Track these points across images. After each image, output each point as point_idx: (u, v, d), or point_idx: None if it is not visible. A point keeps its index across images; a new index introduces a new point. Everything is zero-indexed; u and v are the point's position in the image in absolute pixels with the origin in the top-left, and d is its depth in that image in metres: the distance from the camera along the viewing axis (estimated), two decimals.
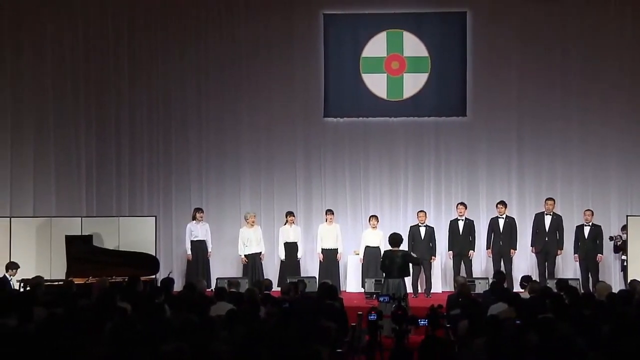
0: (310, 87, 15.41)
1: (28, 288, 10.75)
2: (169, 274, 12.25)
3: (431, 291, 14.00)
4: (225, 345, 6.03)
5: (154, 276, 12.98)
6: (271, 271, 14.56)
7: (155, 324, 6.90)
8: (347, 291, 14.36)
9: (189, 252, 14.34)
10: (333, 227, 14.45)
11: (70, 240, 13.20)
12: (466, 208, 14.28)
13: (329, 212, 14.53)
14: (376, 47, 15.25)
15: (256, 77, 15.45)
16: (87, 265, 12.73)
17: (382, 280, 12.08)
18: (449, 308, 9.87)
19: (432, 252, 14.12)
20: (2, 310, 7.66)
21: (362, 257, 14.28)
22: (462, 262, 14.04)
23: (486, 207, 15.08)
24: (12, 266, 12.49)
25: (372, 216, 14.53)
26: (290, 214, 14.53)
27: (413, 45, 15.25)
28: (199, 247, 14.35)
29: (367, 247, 14.22)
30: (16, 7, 15.19)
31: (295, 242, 14.43)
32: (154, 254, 13.70)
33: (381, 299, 10.01)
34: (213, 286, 13.12)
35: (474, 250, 14.18)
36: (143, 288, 10.69)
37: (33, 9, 15.20)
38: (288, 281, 12.01)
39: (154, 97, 15.41)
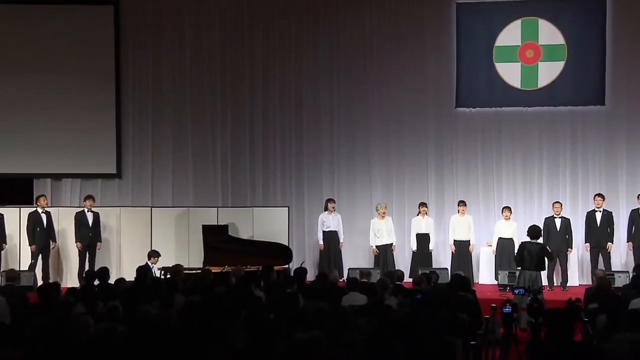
0: (441, 77, 15.27)
1: (168, 276, 11.13)
2: (301, 264, 12.41)
3: (567, 284, 13.64)
4: (359, 334, 6.07)
5: (287, 266, 13.17)
6: (402, 262, 14.52)
7: (288, 313, 7.00)
8: (479, 283, 14.17)
9: (321, 242, 14.48)
10: (465, 219, 14.28)
11: (207, 230, 13.56)
12: (604, 199, 13.81)
13: (462, 203, 14.36)
14: (510, 35, 14.94)
15: (387, 68, 15.43)
16: (223, 254, 13.04)
17: (517, 272, 11.87)
18: (587, 302, 9.58)
19: (569, 244, 13.75)
20: (145, 297, 7.95)
21: (494, 249, 14.07)
22: (600, 255, 13.60)
23: (626, 199, 14.54)
24: (154, 254, 12.96)
25: (505, 207, 14.28)
26: (422, 204, 14.45)
27: (549, 33, 14.86)
28: (331, 237, 14.46)
29: (500, 239, 13.99)
30: (157, 3, 15.70)
31: (427, 234, 14.34)
32: (287, 244, 13.92)
33: (516, 291, 9.84)
34: (345, 276, 13.22)
35: (612, 243, 13.70)
36: (276, 277, 10.87)
37: (173, 5, 15.67)
38: (420, 272, 11.96)
39: (287, 90, 15.63)
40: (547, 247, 12.31)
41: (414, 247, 14.31)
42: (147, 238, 14.21)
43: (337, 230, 14.51)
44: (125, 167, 15.51)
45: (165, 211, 14.72)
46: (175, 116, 15.61)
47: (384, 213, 14.38)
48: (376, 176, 15.48)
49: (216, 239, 13.37)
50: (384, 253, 14.24)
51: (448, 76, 15.23)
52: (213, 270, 11.69)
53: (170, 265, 11.76)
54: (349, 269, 13.65)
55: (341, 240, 14.54)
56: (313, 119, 15.61)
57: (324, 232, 14.48)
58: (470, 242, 14.21)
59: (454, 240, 14.20)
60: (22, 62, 15.08)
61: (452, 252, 14.22)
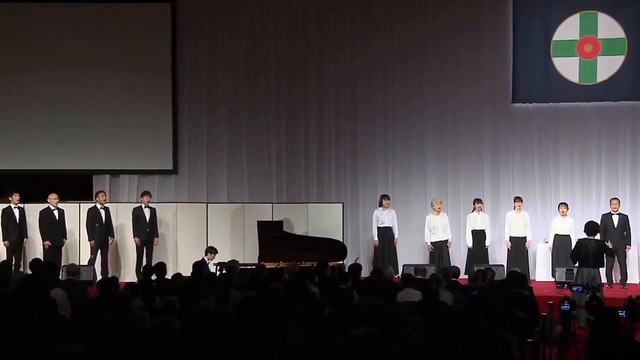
0: (497, 72, 15.14)
1: (224, 271, 11.21)
2: (356, 260, 12.39)
3: (627, 281, 13.41)
4: (415, 331, 6.05)
5: (341, 262, 13.19)
6: (458, 259, 14.43)
7: (343, 309, 7.01)
8: (536, 280, 14.02)
9: (376, 238, 14.46)
10: (522, 215, 14.14)
11: (262, 226, 13.63)
12: None
13: (518, 199, 14.22)
14: (568, 30, 14.76)
15: (442, 63, 15.35)
16: (278, 250, 13.08)
17: (574, 269, 11.71)
18: None
19: (627, 240, 13.51)
20: (201, 292, 8.02)
21: (551, 246, 13.91)
22: None
23: None
24: (211, 251, 13.09)
25: (562, 203, 14.10)
26: (477, 201, 14.35)
27: (608, 27, 14.63)
28: (386, 233, 14.43)
29: (556, 235, 13.83)
30: (213, 1, 15.78)
31: (483, 230, 14.23)
32: (341, 240, 13.93)
33: (574, 288, 9.71)
34: (400, 273, 13.19)
35: None
36: (331, 273, 10.87)
37: (228, 3, 15.72)
38: (475, 269, 11.86)
39: (342, 86, 15.63)
40: (605, 242, 12.11)
41: (470, 244, 14.21)
42: (202, 234, 14.35)
43: (391, 226, 14.47)
44: (182, 164, 15.67)
45: (221, 207, 14.84)
46: (230, 112, 15.72)
47: (439, 209, 14.31)
48: (431, 172, 15.40)
49: (271, 234, 13.43)
50: (439, 249, 14.17)
51: (504, 71, 15.10)
52: (268, 266, 11.75)
53: (226, 261, 11.85)
54: (404, 265, 13.62)
55: (396, 237, 14.50)
56: (368, 114, 15.58)
57: (378, 228, 14.45)
58: (527, 239, 14.07)
59: (510, 237, 14.08)
60: (81, 60, 15.31)
61: (508, 249, 14.10)
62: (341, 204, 14.85)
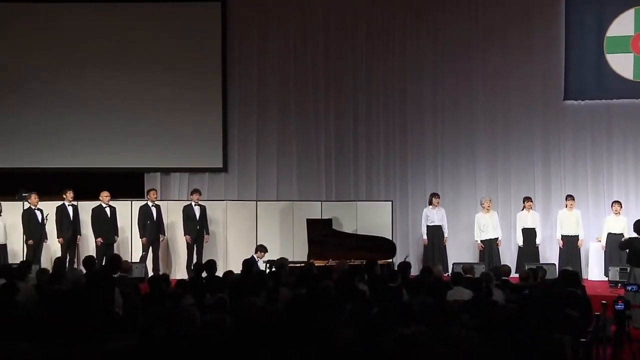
0: (549, 69, 14.99)
1: (274, 269, 11.26)
2: (405, 258, 12.35)
3: None
4: (465, 330, 6.01)
5: (391, 260, 13.15)
6: (508, 257, 14.30)
7: (393, 307, 6.99)
8: (588, 279, 13.83)
9: (425, 236, 14.40)
10: (574, 213, 13.96)
11: (311, 224, 13.65)
12: None
13: (570, 197, 14.05)
14: (622, 25, 14.55)
15: (493, 60, 15.24)
16: (327, 248, 13.09)
17: (628, 268, 11.52)
18: None
19: None
20: (251, 290, 8.06)
21: (604, 244, 13.71)
22: None
23: None
24: (261, 249, 13.14)
25: (615, 202, 13.89)
26: (527, 199, 14.22)
27: None
28: (435, 232, 14.36)
29: (609, 234, 13.63)
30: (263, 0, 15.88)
31: (534, 228, 14.10)
32: (390, 238, 13.89)
33: (629, 288, 9.55)
34: (449, 271, 13.11)
35: None
36: (380, 272, 10.85)
37: (278, 2, 15.81)
38: (526, 267, 11.75)
39: (390, 84, 15.59)
40: None
41: (520, 242, 14.08)
42: (252, 231, 14.42)
43: (441, 224, 14.40)
44: (231, 162, 15.76)
45: (270, 205, 14.89)
46: (279, 111, 15.77)
47: (488, 207, 14.20)
48: (481, 170, 15.30)
49: (320, 232, 13.44)
50: (489, 248, 14.07)
51: (556, 68, 14.94)
52: (317, 264, 11.76)
53: (275, 259, 11.90)
54: (454, 264, 13.55)
55: (445, 235, 14.42)
56: (417, 112, 15.53)
57: (427, 226, 14.39)
58: (579, 237, 13.89)
59: (562, 235, 13.92)
60: (132, 59, 15.51)
61: (560, 247, 13.95)
62: (390, 202, 14.82)
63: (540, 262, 13.48)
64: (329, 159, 15.72)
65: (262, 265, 12.63)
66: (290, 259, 12.15)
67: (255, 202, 14.93)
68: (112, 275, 8.74)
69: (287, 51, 15.74)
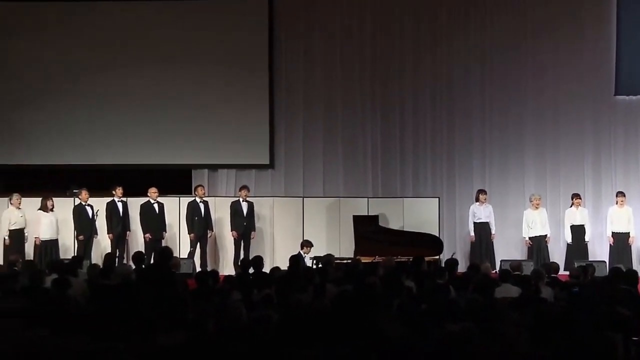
0: (600, 64, 14.80)
1: (320, 265, 11.28)
2: (452, 255, 12.30)
3: None
4: (513, 327, 5.96)
5: (437, 257, 13.10)
6: (557, 254, 14.14)
7: (440, 304, 6.96)
8: None
9: (472, 233, 14.32)
10: (625, 210, 13.77)
11: (358, 220, 13.65)
12: None
13: (620, 194, 13.86)
14: None
15: (542, 55, 15.08)
16: (374, 245, 13.08)
17: None
18: None
19: None
20: (297, 286, 8.09)
21: None
22: None
23: None
24: (307, 244, 13.20)
25: None
26: (575, 196, 14.06)
27: None
28: (482, 228, 14.26)
29: None
30: None
31: (583, 225, 13.94)
32: (437, 235, 13.84)
33: None
34: (497, 268, 13.01)
35: None
36: (427, 268, 10.81)
37: None
38: (576, 265, 11.61)
39: (438, 79, 15.51)
40: None
41: (569, 239, 13.92)
42: (299, 228, 14.46)
43: (488, 221, 14.29)
44: (278, 158, 15.81)
45: (317, 201, 14.92)
46: (326, 107, 15.78)
47: (537, 204, 14.06)
48: (529, 167, 15.17)
49: (367, 229, 13.43)
50: (538, 245, 13.93)
51: (607, 63, 14.75)
52: (363, 260, 11.76)
53: (322, 255, 11.93)
54: (501, 261, 13.43)
55: (493, 232, 14.31)
56: (464, 108, 15.43)
57: (475, 223, 14.30)
58: (630, 234, 13.68)
59: (612, 232, 13.73)
60: (178, 55, 15.61)
61: (610, 245, 13.76)
62: (437, 199, 14.76)
63: (590, 259, 13.30)
64: (375, 155, 15.68)
65: (308, 261, 12.66)
66: (336, 256, 12.15)
67: (301, 198, 14.96)
68: (168, 269, 8.77)
69: (334, 47, 15.73)
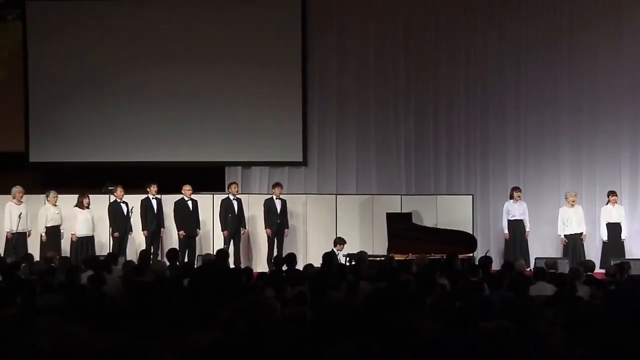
0: (638, 61, 14.58)
1: (353, 262, 11.28)
2: (486, 253, 12.23)
3: None
4: (548, 325, 5.92)
5: (471, 254, 13.04)
6: (592, 252, 13.99)
7: (474, 302, 6.92)
8: None
9: (506, 231, 14.23)
10: None
11: (391, 217, 13.65)
12: None
13: None
14: None
15: (579, 51, 14.96)
16: (407, 242, 13.08)
17: None
18: None
19: None
20: (331, 283, 8.09)
21: None
22: None
23: None
24: (340, 241, 13.21)
25: None
26: (611, 193, 13.92)
27: None
28: (517, 226, 14.16)
29: None
30: None
31: (619, 223, 13.80)
32: (471, 232, 13.77)
33: None
34: (532, 266, 12.92)
35: None
36: (461, 265, 10.77)
37: None
38: (612, 263, 11.49)
39: (472, 76, 15.44)
40: None
41: (605, 237, 13.78)
42: (332, 225, 14.46)
43: (522, 218, 14.19)
44: (311, 155, 15.82)
45: (350, 198, 14.92)
46: (359, 104, 15.76)
47: (573, 201, 13.94)
48: (565, 164, 15.05)
49: (400, 226, 13.43)
50: (573, 242, 13.81)
51: None
52: (397, 258, 11.75)
53: (355, 252, 11.93)
54: (536, 258, 13.32)
55: (527, 229, 14.21)
56: (498, 105, 15.35)
57: (509, 220, 14.21)
58: None
59: None
60: (211, 52, 15.70)
61: None
62: (471, 196, 14.69)
63: (626, 257, 13.15)
64: (408, 152, 15.64)
65: (341, 259, 12.66)
66: (369, 253, 12.15)
67: (334, 195, 14.96)
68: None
69: (367, 45, 15.71)
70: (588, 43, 14.92)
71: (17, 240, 13.30)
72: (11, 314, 6.05)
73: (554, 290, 8.21)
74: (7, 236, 13.36)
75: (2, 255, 12.08)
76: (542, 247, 14.53)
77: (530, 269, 11.84)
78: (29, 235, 13.55)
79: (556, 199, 14.67)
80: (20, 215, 13.28)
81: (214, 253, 12.13)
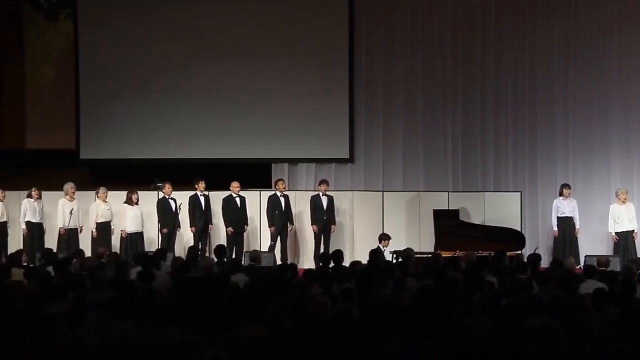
0: None
1: (400, 259, 11.25)
2: (535, 250, 12.12)
3: None
4: (598, 324, 5.85)
5: (520, 252, 12.92)
6: None
7: (522, 299, 6.87)
8: None
9: (555, 228, 14.08)
10: None
11: (438, 214, 13.58)
12: None
13: None
14: None
15: (628, 48, 14.71)
16: (454, 239, 13.03)
17: None
18: None
19: None
20: (377, 280, 8.09)
21: None
22: None
23: None
24: (384, 237, 13.19)
25: None
26: None
27: None
28: (566, 223, 14.00)
29: None
30: None
31: None
32: (519, 230, 13.65)
33: None
34: (582, 263, 12.77)
35: None
36: (509, 263, 10.68)
37: None
38: None
39: (520, 73, 15.29)
40: None
41: None
42: (378, 222, 14.43)
43: (572, 216, 14.03)
44: (358, 152, 15.80)
45: (396, 195, 14.87)
46: (406, 101, 15.70)
47: (624, 199, 13.74)
48: (615, 160, 14.83)
49: (447, 223, 13.37)
50: (624, 240, 13.62)
51: None
52: (444, 255, 11.70)
53: (402, 249, 11.90)
54: (586, 256, 13.16)
55: (577, 227, 14.04)
56: (547, 102, 15.19)
57: (558, 217, 14.06)
58: None
59: None
60: (258, 48, 15.73)
61: None
62: (519, 193, 14.56)
63: None
64: (455, 149, 15.54)
65: (387, 255, 12.64)
66: (416, 250, 12.12)
67: (381, 192, 14.93)
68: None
69: (414, 41, 15.64)
70: (637, 38, 14.67)
71: (69, 236, 13.52)
72: (64, 309, 6.16)
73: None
74: (59, 232, 13.58)
75: (54, 250, 12.25)
76: (592, 244, 14.33)
77: (580, 267, 11.70)
78: (80, 231, 13.77)
79: (607, 196, 14.47)
80: (72, 211, 13.49)
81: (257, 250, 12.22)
